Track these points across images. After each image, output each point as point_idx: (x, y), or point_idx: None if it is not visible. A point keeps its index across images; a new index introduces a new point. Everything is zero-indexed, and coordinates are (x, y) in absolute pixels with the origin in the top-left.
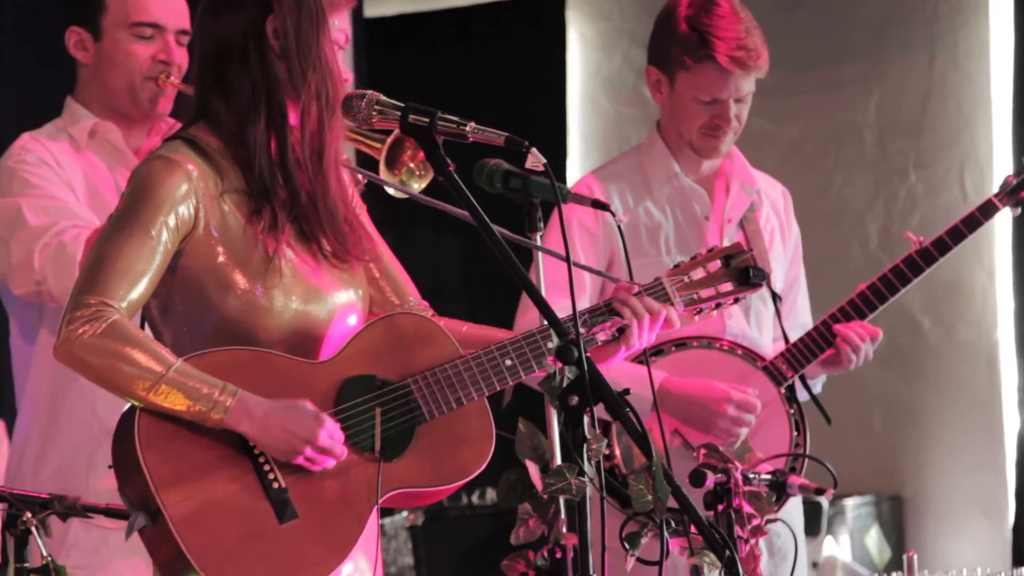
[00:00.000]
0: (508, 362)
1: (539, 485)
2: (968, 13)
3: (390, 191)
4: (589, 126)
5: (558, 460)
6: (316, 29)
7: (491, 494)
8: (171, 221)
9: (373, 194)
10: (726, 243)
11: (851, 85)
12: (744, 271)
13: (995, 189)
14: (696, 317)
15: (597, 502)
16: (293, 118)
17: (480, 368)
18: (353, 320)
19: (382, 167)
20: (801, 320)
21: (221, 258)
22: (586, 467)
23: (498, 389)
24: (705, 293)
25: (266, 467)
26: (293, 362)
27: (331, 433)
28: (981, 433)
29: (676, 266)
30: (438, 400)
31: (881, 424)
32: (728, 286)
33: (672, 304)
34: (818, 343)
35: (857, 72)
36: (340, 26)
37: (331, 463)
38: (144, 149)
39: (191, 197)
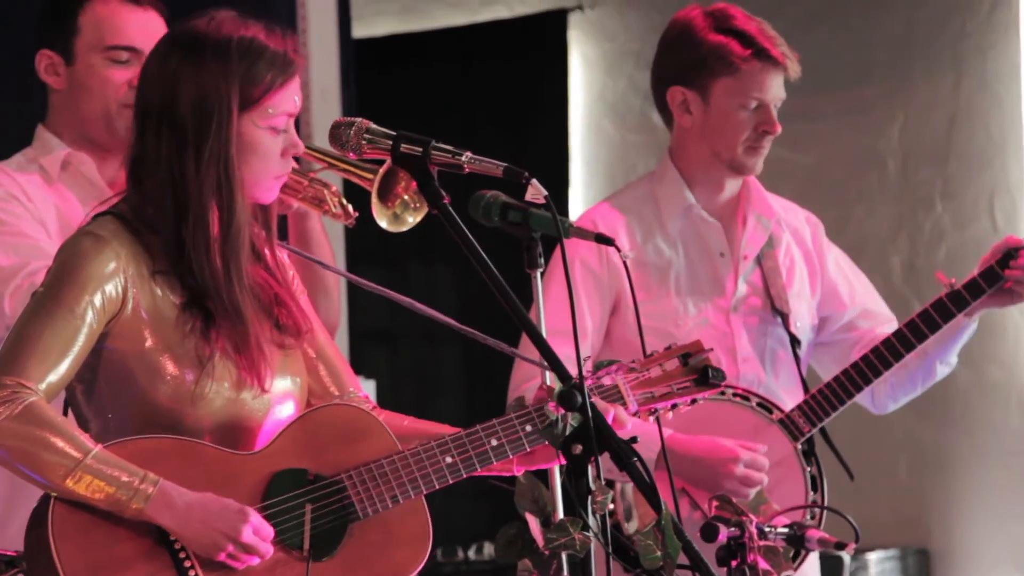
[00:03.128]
0: (448, 459)
1: (540, 540)
2: (997, 32)
3: (383, 224)
4: (593, 154)
5: (560, 513)
6: (217, 123)
7: (489, 549)
8: (97, 300)
9: (363, 226)
10: (741, 282)
11: (873, 109)
12: (703, 371)
13: None
14: (651, 417)
15: (603, 558)
16: (197, 213)
17: (419, 465)
18: (290, 409)
19: (374, 199)
20: (883, 316)
21: (149, 342)
22: (590, 521)
23: (437, 488)
24: (661, 393)
25: (187, 563)
26: (220, 453)
27: (257, 529)
28: (1013, 481)
29: (632, 363)
30: (373, 497)
31: (906, 472)
32: (686, 386)
33: (625, 403)
34: (838, 395)
35: (879, 95)
36: (279, 110)
37: (255, 561)
38: (120, 181)
39: (119, 276)
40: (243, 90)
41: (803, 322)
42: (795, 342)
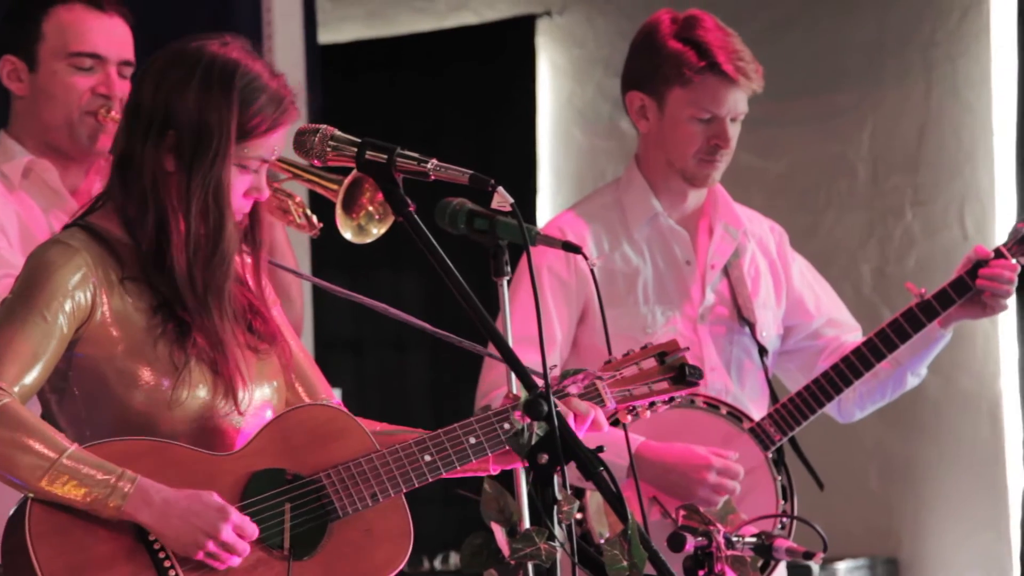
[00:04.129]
0: (427, 457)
1: (506, 550)
2: (967, 39)
3: (347, 235)
4: (561, 161)
5: (526, 523)
6: (213, 152)
7: (455, 559)
8: (67, 306)
9: (329, 235)
10: (709, 291)
11: (842, 116)
12: (680, 368)
13: (998, 227)
14: (629, 416)
15: (569, 568)
16: (180, 234)
17: (398, 463)
18: (268, 415)
19: (339, 211)
20: (848, 324)
21: (121, 347)
22: (556, 531)
23: (416, 486)
24: (638, 391)
25: (166, 563)
26: (196, 454)
27: (238, 527)
28: (983, 491)
29: (608, 362)
30: (352, 496)
31: (876, 481)
32: (663, 384)
33: (603, 402)
34: (809, 404)
35: (849, 102)
36: (254, 153)
37: (235, 560)
38: (82, 189)
39: (88, 283)
40: (239, 121)
41: (769, 331)
42: (762, 351)
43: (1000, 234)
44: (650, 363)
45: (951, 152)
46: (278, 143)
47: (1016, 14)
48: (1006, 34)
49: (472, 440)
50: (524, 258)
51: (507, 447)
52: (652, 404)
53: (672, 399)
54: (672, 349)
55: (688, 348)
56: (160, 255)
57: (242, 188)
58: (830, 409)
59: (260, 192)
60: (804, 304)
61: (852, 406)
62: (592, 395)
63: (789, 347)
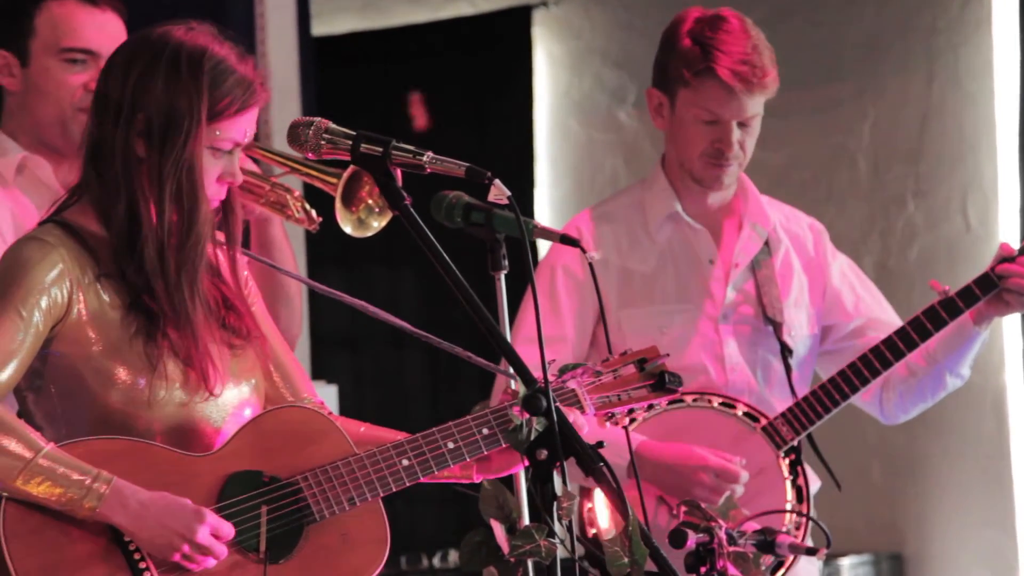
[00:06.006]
0: (405, 462)
1: (505, 547)
2: (969, 27)
3: (347, 229)
4: (558, 153)
5: (526, 520)
6: (184, 135)
7: (454, 556)
8: (43, 303)
9: (324, 229)
10: (730, 290)
11: (843, 106)
12: (660, 376)
13: (1001, 218)
14: (608, 423)
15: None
16: (152, 221)
17: (375, 467)
18: (247, 413)
19: (338, 204)
20: (892, 324)
21: (97, 347)
22: (557, 527)
23: (394, 490)
24: (617, 397)
25: (141, 564)
26: (173, 454)
27: (214, 529)
28: (988, 485)
29: (597, 368)
30: (329, 499)
31: (879, 476)
32: (642, 392)
33: (583, 408)
34: (823, 402)
35: (849, 92)
36: (226, 135)
37: (211, 563)
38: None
39: (64, 281)
40: (208, 104)
41: (800, 331)
42: (787, 351)
43: (1004, 225)
44: (630, 370)
45: (953, 142)
46: (249, 125)
47: (1018, 2)
48: (1008, 22)
49: (450, 445)
50: (540, 256)
51: (486, 452)
52: (631, 411)
53: (651, 406)
54: (652, 356)
55: (668, 355)
56: (132, 243)
57: (215, 173)
58: (872, 410)
59: (233, 176)
60: (842, 303)
61: (894, 408)
62: (571, 401)
63: (829, 347)
